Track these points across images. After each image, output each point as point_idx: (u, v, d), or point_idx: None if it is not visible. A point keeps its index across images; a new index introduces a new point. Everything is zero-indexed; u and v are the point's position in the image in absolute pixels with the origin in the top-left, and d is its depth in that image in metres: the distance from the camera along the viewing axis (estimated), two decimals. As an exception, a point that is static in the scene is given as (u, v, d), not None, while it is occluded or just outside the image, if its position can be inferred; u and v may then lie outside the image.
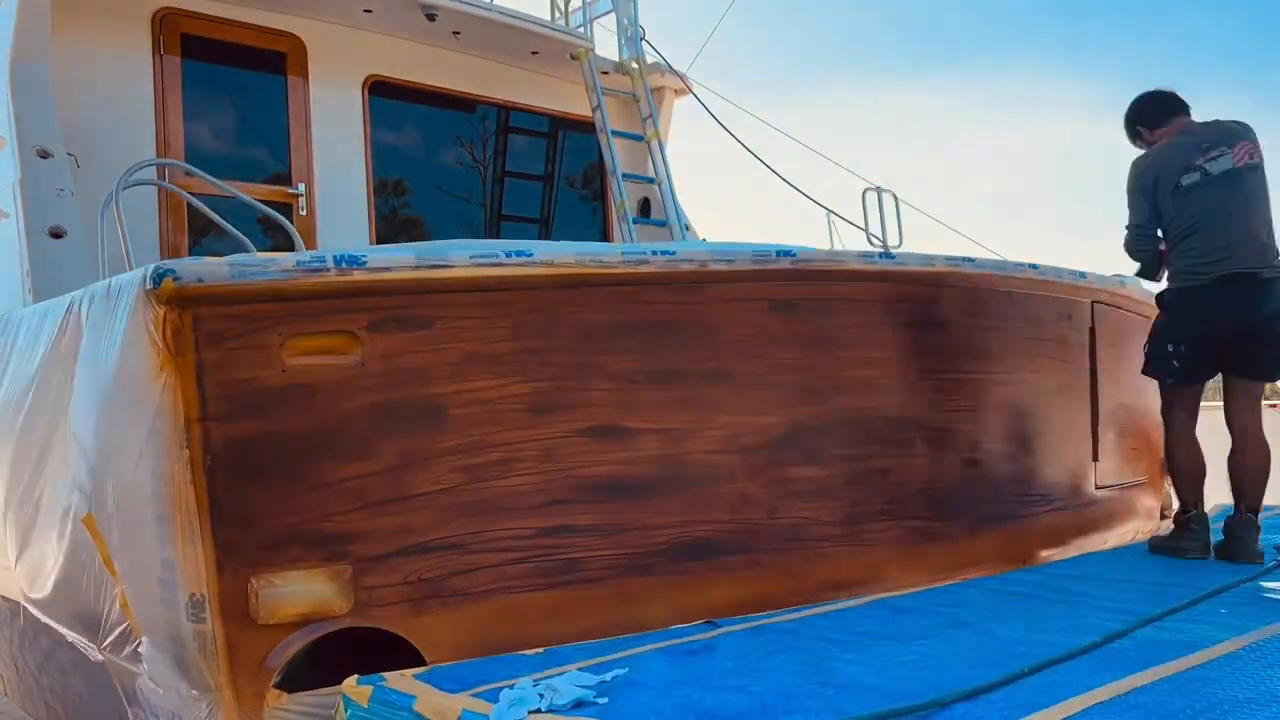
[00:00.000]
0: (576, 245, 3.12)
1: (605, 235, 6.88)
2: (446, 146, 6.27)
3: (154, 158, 4.92)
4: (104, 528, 2.58)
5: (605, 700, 2.10)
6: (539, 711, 2.02)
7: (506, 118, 6.47)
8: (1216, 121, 3.79)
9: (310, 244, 5.33)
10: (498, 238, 6.41)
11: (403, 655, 2.49)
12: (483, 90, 6.27)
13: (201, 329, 2.28)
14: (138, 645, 2.54)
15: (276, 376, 2.36)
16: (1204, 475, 3.83)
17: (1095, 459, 4.09)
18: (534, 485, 2.67)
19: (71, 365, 2.75)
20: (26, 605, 3.33)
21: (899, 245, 6.49)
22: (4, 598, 3.60)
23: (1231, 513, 3.71)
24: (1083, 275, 3.93)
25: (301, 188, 5.46)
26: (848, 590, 3.13)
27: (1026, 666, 2.21)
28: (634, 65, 6.54)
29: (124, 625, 2.60)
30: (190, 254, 5.00)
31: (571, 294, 2.72)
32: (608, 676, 2.25)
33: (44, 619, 3.17)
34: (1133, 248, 3.87)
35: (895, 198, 6.60)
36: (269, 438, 2.37)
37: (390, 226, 5.95)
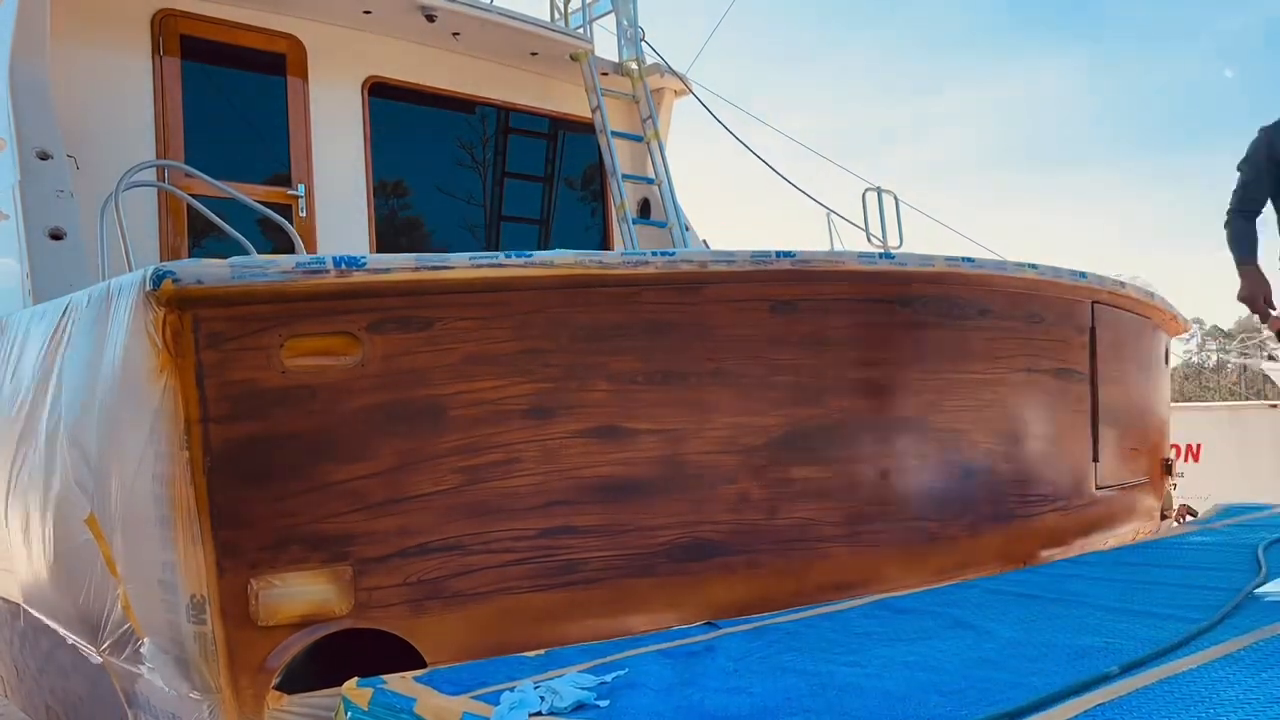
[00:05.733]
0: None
1: (605, 236, 6.88)
2: (446, 148, 6.28)
3: (154, 159, 4.92)
4: (106, 529, 2.58)
5: (606, 703, 2.10)
6: (540, 714, 2.02)
7: (506, 119, 6.47)
8: None
9: (310, 246, 5.34)
10: (498, 238, 6.43)
11: (403, 656, 2.50)
12: (482, 91, 6.28)
13: (201, 330, 2.28)
14: (138, 646, 2.55)
15: (276, 378, 2.36)
16: None
17: (1095, 459, 4.09)
18: (534, 486, 2.67)
19: (71, 367, 2.76)
20: (27, 607, 3.33)
21: (899, 245, 6.51)
22: (4, 599, 3.61)
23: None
24: (1083, 275, 3.93)
25: (301, 189, 5.47)
26: (848, 591, 3.13)
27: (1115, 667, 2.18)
28: (634, 66, 6.55)
29: (125, 626, 2.60)
30: (190, 255, 5.01)
31: (572, 295, 2.72)
32: (608, 678, 2.25)
33: (44, 620, 3.17)
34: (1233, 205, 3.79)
35: (895, 198, 6.62)
36: (269, 439, 2.37)
37: (390, 228, 5.95)
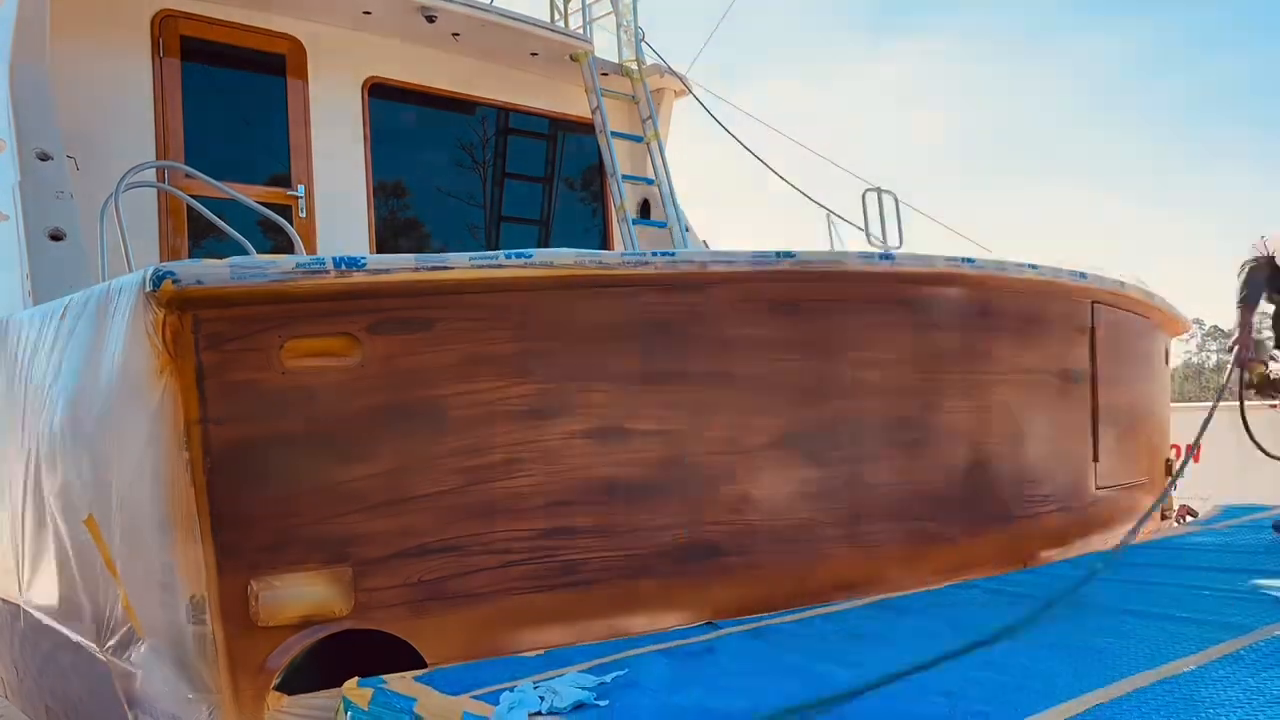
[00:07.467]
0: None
1: (605, 237, 6.88)
2: (446, 148, 6.28)
3: (154, 160, 4.92)
4: (105, 530, 2.58)
5: (606, 702, 2.10)
6: (539, 714, 2.02)
7: (506, 119, 6.47)
8: None
9: (310, 246, 5.34)
10: (497, 239, 6.43)
11: (403, 657, 2.49)
12: (482, 92, 6.28)
13: (201, 331, 2.28)
14: (139, 647, 2.55)
15: (276, 378, 2.36)
16: None
17: (1095, 459, 4.08)
18: (534, 487, 2.66)
19: (71, 368, 2.76)
20: (27, 608, 3.33)
21: (899, 246, 6.51)
22: (4, 600, 3.61)
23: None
24: (1083, 275, 3.93)
25: (301, 190, 5.47)
26: (848, 591, 3.12)
27: None
28: (633, 66, 6.55)
29: (125, 627, 2.60)
30: (190, 256, 5.01)
31: (571, 295, 2.72)
32: (608, 678, 2.25)
33: (45, 621, 3.17)
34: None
35: (895, 198, 6.62)
36: (269, 440, 2.37)
37: (390, 228, 5.95)
